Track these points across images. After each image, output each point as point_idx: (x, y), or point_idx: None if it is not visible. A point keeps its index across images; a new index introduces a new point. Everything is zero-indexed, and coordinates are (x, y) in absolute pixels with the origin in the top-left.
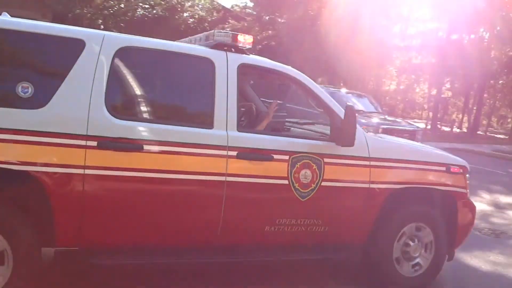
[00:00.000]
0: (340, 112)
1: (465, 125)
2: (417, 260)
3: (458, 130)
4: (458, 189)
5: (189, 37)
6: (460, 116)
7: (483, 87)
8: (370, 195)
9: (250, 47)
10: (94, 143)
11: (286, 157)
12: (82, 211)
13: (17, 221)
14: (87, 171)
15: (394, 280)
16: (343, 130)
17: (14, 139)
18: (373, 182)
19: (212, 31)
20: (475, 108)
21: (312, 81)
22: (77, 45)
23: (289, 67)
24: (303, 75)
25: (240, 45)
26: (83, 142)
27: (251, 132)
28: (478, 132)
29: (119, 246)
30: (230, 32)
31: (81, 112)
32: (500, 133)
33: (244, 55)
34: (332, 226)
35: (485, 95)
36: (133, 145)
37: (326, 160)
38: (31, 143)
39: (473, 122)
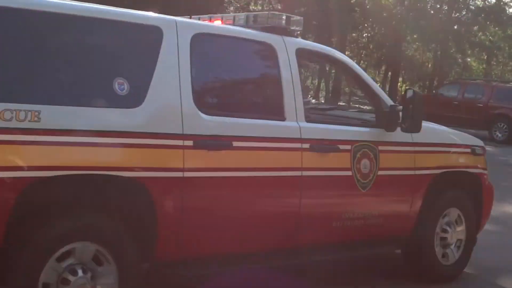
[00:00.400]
0: (385, 97)
1: (323, 93)
2: (452, 246)
3: (313, 101)
4: (482, 171)
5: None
6: (316, 81)
7: (343, 42)
8: (415, 182)
9: (301, 29)
10: (191, 143)
11: (349, 147)
12: (182, 218)
13: (121, 233)
14: (186, 174)
15: (435, 270)
16: (413, 116)
17: (118, 143)
18: (417, 169)
19: (265, 12)
20: (333, 71)
21: (359, 67)
22: (157, 34)
23: (339, 52)
24: (352, 61)
25: (293, 27)
26: (180, 142)
27: (315, 122)
28: (340, 103)
29: (213, 255)
30: (283, 14)
31: (175, 109)
32: (367, 103)
33: (297, 38)
34: (386, 217)
35: (346, 53)
36: (224, 143)
37: (380, 148)
38: (134, 146)
39: (332, 89)
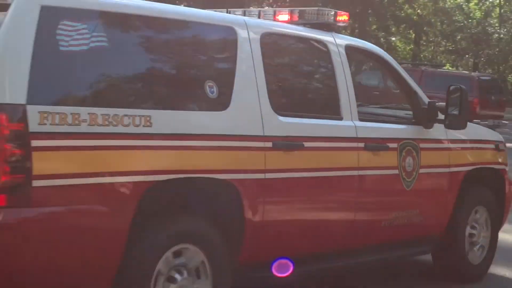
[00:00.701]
0: (422, 94)
1: None
2: (479, 244)
3: None
4: (504, 167)
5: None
6: None
7: None
8: (450, 179)
9: (347, 25)
10: (270, 144)
11: (396, 145)
12: (263, 220)
13: (213, 234)
14: (267, 175)
15: (464, 269)
16: (460, 114)
17: (214, 146)
18: (452, 166)
19: (313, 9)
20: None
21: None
22: (231, 34)
23: (380, 49)
24: (392, 58)
25: (340, 24)
26: (262, 144)
27: (365, 121)
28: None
29: (290, 256)
30: (331, 10)
31: (255, 110)
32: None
33: (345, 36)
34: (425, 216)
35: None
36: (297, 144)
37: (421, 145)
38: (227, 149)
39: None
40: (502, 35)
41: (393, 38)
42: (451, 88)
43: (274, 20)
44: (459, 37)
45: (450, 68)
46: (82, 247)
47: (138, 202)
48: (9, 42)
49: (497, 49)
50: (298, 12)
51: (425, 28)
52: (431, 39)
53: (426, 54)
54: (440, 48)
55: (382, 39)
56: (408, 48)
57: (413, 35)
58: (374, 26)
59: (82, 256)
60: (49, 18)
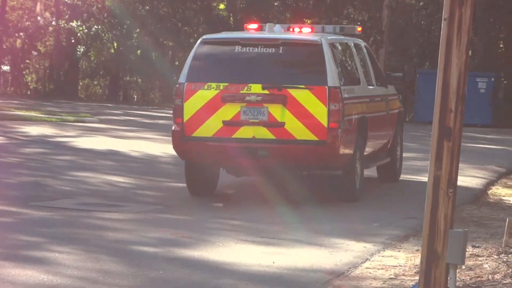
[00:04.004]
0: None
1: None
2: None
3: None
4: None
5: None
6: None
7: None
8: (396, 116)
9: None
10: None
11: (380, 99)
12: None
13: None
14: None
15: (396, 173)
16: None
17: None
18: (396, 109)
19: (350, 26)
20: None
21: None
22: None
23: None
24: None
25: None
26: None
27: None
28: None
29: None
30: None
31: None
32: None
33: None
34: (389, 138)
35: None
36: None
37: (388, 98)
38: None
39: None
40: None
41: None
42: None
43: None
44: None
45: None
46: None
47: None
48: None
49: None
50: (321, 28)
51: None
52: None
53: None
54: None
55: None
56: None
57: None
58: None
59: None
60: None
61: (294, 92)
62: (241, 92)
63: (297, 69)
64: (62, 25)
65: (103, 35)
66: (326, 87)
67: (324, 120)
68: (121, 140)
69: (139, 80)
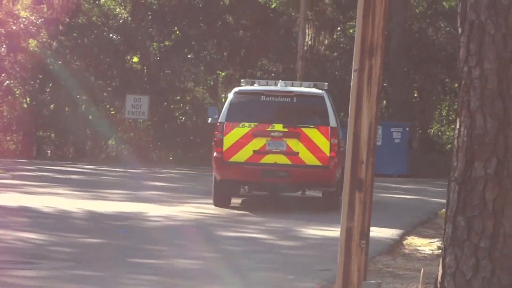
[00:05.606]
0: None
1: None
2: None
3: None
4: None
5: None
6: None
7: None
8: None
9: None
10: None
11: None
12: None
13: None
14: None
15: None
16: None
17: None
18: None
19: (322, 83)
20: None
21: None
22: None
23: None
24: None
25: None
26: None
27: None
28: None
29: None
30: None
31: None
32: None
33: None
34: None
35: None
36: None
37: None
38: None
39: None
40: None
41: None
42: None
43: None
44: None
45: None
46: None
47: None
48: None
49: None
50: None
51: None
52: None
53: None
54: None
55: None
56: None
57: None
58: None
59: None
60: None
61: (305, 130)
62: (267, 129)
63: (307, 113)
64: None
65: (15, 90)
66: (329, 127)
67: (327, 151)
68: (34, 196)
69: (52, 135)
